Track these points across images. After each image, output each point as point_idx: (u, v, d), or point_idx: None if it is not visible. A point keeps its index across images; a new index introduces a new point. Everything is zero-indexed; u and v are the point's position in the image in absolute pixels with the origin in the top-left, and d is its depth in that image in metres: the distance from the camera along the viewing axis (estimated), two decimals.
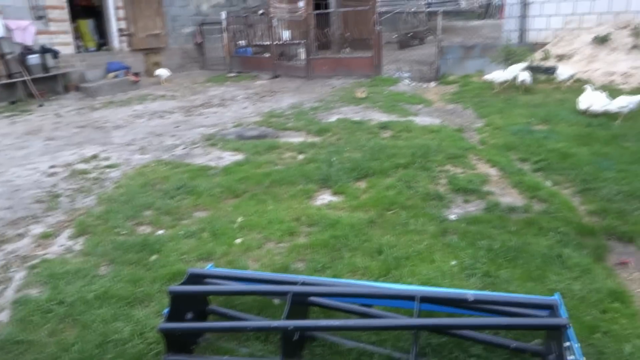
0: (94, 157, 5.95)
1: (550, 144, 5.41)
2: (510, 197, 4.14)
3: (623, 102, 6.16)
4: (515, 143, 5.56)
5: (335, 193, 4.37)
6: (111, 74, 11.45)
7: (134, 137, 6.89)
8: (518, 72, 8.44)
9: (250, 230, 3.67)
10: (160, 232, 3.76)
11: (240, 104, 9.13)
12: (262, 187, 4.51)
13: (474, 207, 3.95)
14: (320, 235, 3.48)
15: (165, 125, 7.66)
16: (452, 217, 3.76)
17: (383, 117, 7.18)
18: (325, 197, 4.30)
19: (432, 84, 10.32)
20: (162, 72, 11.96)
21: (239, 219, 3.84)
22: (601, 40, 9.37)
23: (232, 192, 4.44)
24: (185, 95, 10.47)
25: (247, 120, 7.63)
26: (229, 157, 5.61)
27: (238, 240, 3.51)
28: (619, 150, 5.15)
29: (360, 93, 8.80)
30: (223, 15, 13.34)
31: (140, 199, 4.36)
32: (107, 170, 5.42)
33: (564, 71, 8.63)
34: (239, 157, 5.58)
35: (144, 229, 3.84)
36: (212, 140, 6.42)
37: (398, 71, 11.44)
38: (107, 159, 5.87)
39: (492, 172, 4.77)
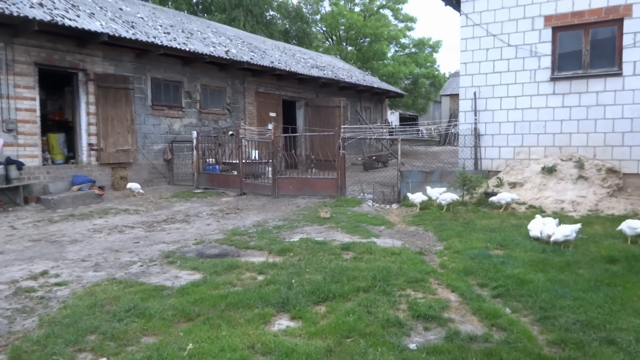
0: (44, 273, 5.67)
1: (507, 269, 5.50)
2: (471, 325, 4.08)
3: (567, 231, 6.44)
4: (474, 268, 5.63)
5: (293, 318, 4.22)
6: (75, 187, 11.39)
7: (89, 253, 6.67)
8: (439, 195, 9.71)
9: (200, 359, 3.44)
10: None
11: (204, 221, 9.10)
12: (217, 310, 4.33)
13: (434, 336, 3.87)
14: None
15: (124, 240, 7.48)
16: (412, 346, 3.65)
17: (346, 238, 7.24)
18: (282, 322, 4.15)
19: (394, 205, 10.64)
20: (134, 185, 12.15)
21: (189, 346, 3.62)
22: (549, 171, 10.06)
23: (185, 315, 4.24)
24: (150, 210, 10.41)
25: (210, 237, 7.56)
26: (186, 277, 5.44)
27: None
28: (574, 277, 5.27)
29: (324, 213, 8.96)
30: (194, 134, 13.84)
31: (86, 322, 4.09)
32: (55, 288, 5.15)
33: (504, 196, 9.21)
34: (197, 276, 5.42)
35: (85, 356, 3.56)
36: (171, 258, 6.26)
37: (362, 192, 11.81)
38: (57, 275, 5.60)
39: (452, 297, 4.76)
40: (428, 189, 10.11)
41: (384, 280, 5.07)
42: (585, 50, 10.57)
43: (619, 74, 10.15)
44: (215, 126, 15.86)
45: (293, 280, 5.08)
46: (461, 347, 3.61)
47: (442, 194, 9.58)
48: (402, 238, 7.46)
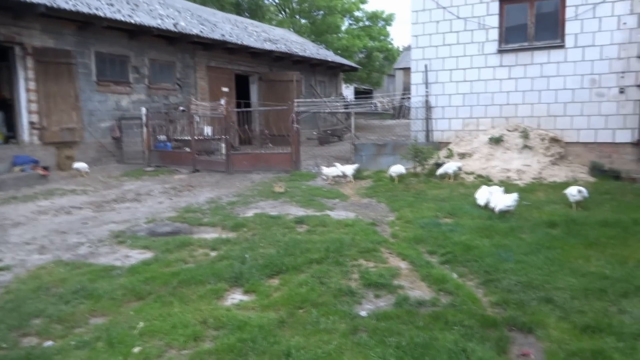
0: None
1: (455, 236, 5.70)
2: (419, 291, 4.23)
3: (509, 201, 6.68)
4: (424, 236, 5.80)
5: (246, 292, 4.24)
6: (17, 168, 10.85)
7: (34, 236, 6.41)
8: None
9: (151, 337, 3.42)
10: (49, 343, 3.40)
11: (156, 199, 8.90)
12: (169, 288, 4.28)
13: (384, 302, 3.98)
14: (226, 339, 3.30)
15: (71, 221, 7.23)
16: (363, 313, 3.75)
17: (300, 212, 7.27)
18: (235, 297, 4.16)
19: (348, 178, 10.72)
20: (81, 165, 11.68)
21: (140, 324, 3.58)
22: (496, 141, 10.39)
23: (136, 294, 4.18)
24: (98, 189, 10.08)
25: (162, 215, 7.41)
26: (136, 256, 5.34)
27: (136, 349, 3.24)
28: (517, 241, 5.52)
29: (279, 188, 8.94)
30: (143, 110, 13.39)
31: (30, 306, 3.96)
32: None
33: (449, 166, 9.49)
34: (148, 255, 5.33)
35: (30, 341, 3.46)
36: (120, 238, 6.11)
37: (316, 166, 11.84)
38: None
39: (403, 265, 4.90)
40: (324, 168, 10.31)
41: (337, 251, 5.15)
42: (530, 22, 10.85)
43: (562, 46, 10.50)
44: (166, 102, 15.38)
45: (246, 255, 5.08)
46: (409, 312, 3.74)
47: (393, 167, 9.71)
48: (356, 210, 7.56)
